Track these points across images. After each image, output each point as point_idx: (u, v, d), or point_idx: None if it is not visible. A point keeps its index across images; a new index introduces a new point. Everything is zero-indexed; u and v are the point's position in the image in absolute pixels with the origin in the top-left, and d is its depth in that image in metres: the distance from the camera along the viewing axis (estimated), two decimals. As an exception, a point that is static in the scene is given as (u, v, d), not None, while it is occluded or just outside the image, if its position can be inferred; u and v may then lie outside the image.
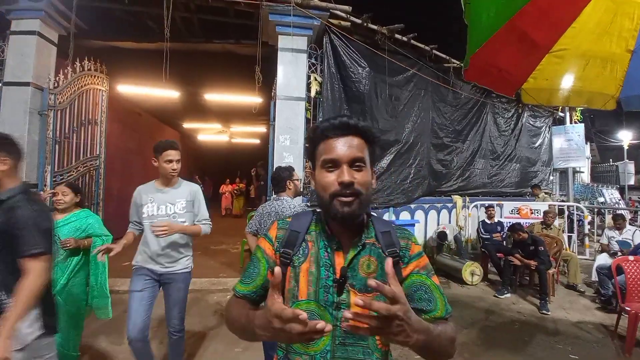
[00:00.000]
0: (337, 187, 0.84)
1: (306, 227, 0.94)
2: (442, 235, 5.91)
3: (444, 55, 6.51)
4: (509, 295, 4.62)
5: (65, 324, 2.35)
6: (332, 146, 0.86)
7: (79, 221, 2.47)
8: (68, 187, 2.51)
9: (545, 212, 5.83)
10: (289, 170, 2.60)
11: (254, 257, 0.96)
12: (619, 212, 6.62)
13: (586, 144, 10.95)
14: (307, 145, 0.96)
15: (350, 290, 0.86)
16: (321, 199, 0.88)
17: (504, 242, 5.79)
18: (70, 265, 2.39)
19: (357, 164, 0.86)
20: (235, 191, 12.46)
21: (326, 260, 0.89)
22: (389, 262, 0.68)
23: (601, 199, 11.84)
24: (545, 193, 8.16)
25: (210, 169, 15.80)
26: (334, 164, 0.86)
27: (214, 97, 8.26)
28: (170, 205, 2.30)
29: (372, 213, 1.02)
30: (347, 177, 0.83)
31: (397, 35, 5.68)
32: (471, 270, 5.08)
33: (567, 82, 3.00)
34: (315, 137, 0.91)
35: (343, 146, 0.86)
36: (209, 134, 13.61)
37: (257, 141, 14.43)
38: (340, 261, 0.89)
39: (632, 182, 16.81)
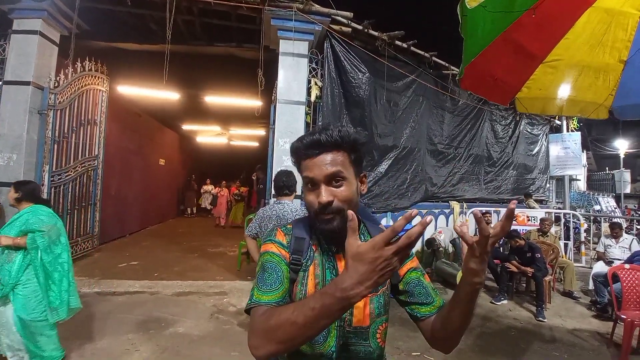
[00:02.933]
0: (317, 207, 0.85)
1: (308, 232, 0.96)
2: (429, 243, 5.89)
3: (443, 63, 6.57)
4: (505, 301, 4.63)
5: (30, 330, 2.27)
6: (307, 166, 0.87)
7: (20, 218, 2.36)
8: (13, 185, 2.46)
9: (541, 220, 5.86)
10: (293, 174, 2.53)
11: (270, 263, 0.89)
12: (616, 220, 6.66)
13: (583, 152, 11.03)
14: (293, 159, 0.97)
15: None
16: (309, 214, 0.92)
17: (501, 248, 5.80)
18: (15, 266, 2.27)
19: (336, 179, 0.85)
20: (235, 196, 10.64)
21: (330, 263, 0.92)
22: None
23: (597, 207, 11.90)
24: (535, 200, 8.20)
25: (209, 171, 15.73)
26: (312, 184, 0.87)
27: (214, 99, 8.27)
28: None
29: (372, 216, 1.03)
30: (325, 199, 0.83)
31: (397, 42, 5.73)
32: (465, 277, 5.06)
33: (561, 91, 3.02)
34: (296, 155, 0.92)
35: (316, 166, 0.86)
36: (208, 135, 13.57)
37: (255, 144, 14.43)
38: (341, 264, 0.91)
39: (628, 190, 16.92)
